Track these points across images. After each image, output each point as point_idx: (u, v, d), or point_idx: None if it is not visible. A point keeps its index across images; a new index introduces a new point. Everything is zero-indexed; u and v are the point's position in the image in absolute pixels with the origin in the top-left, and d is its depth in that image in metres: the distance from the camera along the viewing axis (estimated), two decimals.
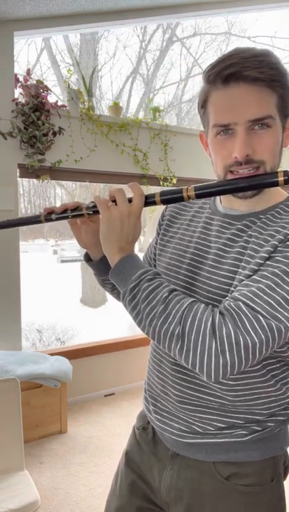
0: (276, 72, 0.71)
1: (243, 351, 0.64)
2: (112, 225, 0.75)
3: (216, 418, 0.80)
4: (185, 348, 0.67)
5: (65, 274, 11.12)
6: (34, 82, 2.82)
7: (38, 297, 7.93)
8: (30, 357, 2.66)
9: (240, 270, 0.74)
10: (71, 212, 0.84)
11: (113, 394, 3.31)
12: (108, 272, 0.92)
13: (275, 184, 0.72)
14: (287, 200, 0.80)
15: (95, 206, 0.81)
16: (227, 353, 0.64)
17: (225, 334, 0.64)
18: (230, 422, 0.79)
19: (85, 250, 0.97)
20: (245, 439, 0.79)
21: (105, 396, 3.27)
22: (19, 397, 1.83)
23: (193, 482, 0.82)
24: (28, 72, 2.88)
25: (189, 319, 0.67)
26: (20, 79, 2.83)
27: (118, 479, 0.97)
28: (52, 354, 2.85)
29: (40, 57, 6.25)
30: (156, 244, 0.99)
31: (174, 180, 3.35)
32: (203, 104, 0.78)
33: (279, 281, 0.67)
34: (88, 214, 0.83)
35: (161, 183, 3.34)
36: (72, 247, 13.70)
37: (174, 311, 0.68)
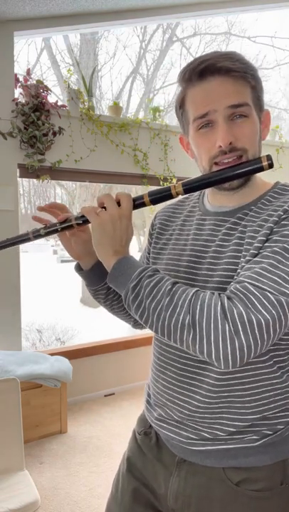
0: (247, 66, 0.75)
1: (257, 330, 0.64)
2: (104, 230, 0.75)
3: (226, 422, 0.78)
4: (198, 336, 0.65)
5: (65, 274, 11.12)
6: (34, 82, 2.82)
7: (38, 297, 7.93)
8: (30, 357, 2.66)
9: (241, 259, 0.74)
10: (60, 225, 0.83)
11: (113, 394, 3.31)
12: (100, 280, 0.92)
13: (260, 169, 0.73)
14: (273, 188, 0.81)
15: (83, 216, 0.80)
16: (241, 333, 0.63)
17: (236, 315, 0.64)
18: (240, 426, 0.78)
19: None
20: (255, 444, 0.77)
21: (105, 396, 3.27)
22: (19, 397, 1.83)
23: (201, 488, 0.80)
24: (28, 72, 2.88)
25: (198, 307, 0.66)
26: (20, 79, 2.83)
27: (119, 485, 0.94)
28: (52, 354, 2.85)
29: (40, 57, 6.26)
30: (148, 254, 0.98)
31: (174, 180, 3.35)
32: (181, 105, 0.80)
33: (281, 258, 0.68)
34: (78, 224, 0.82)
35: (161, 183, 3.34)
36: None
37: (180, 301, 0.67)
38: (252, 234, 0.75)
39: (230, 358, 0.65)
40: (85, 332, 5.98)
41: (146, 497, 0.90)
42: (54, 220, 0.87)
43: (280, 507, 0.79)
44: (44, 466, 2.34)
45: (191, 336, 0.66)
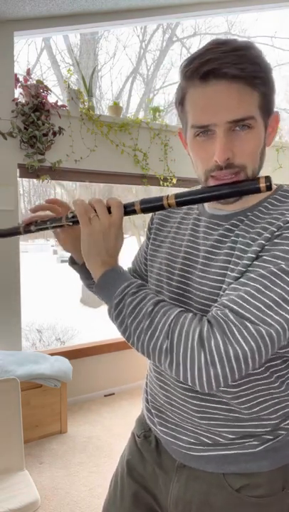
0: (257, 68, 0.66)
1: (234, 362, 0.62)
2: (93, 240, 0.73)
3: (225, 430, 0.77)
4: (174, 362, 0.65)
5: (65, 274, 11.11)
6: (34, 82, 2.82)
7: (38, 297, 7.93)
8: (30, 357, 2.66)
9: (228, 273, 0.72)
10: (50, 224, 0.83)
11: (113, 394, 3.31)
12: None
13: (257, 191, 0.70)
14: (274, 194, 0.76)
15: (74, 217, 0.79)
16: (217, 364, 0.62)
17: (214, 346, 0.62)
18: (240, 432, 0.76)
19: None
20: (257, 449, 0.76)
21: (105, 396, 3.27)
22: (19, 397, 1.83)
23: (202, 494, 0.79)
24: (28, 72, 2.88)
25: (176, 332, 0.65)
26: (20, 79, 2.83)
27: (118, 488, 0.93)
28: (52, 354, 2.85)
29: (40, 57, 6.25)
30: (146, 248, 0.96)
31: (174, 180, 3.35)
32: (181, 101, 0.73)
33: (268, 283, 0.64)
34: (68, 225, 0.81)
35: (161, 183, 3.34)
36: None
37: (160, 325, 0.66)
38: (242, 247, 0.71)
39: (206, 385, 0.64)
40: (85, 332, 5.98)
41: (147, 501, 0.89)
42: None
43: None
44: (44, 466, 2.34)
45: (168, 361, 0.65)
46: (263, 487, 0.76)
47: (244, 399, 0.75)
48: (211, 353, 0.62)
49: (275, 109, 0.75)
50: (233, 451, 0.77)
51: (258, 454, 0.76)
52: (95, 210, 0.75)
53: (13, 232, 0.85)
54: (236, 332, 0.62)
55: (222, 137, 0.68)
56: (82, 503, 2.05)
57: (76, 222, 0.79)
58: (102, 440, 2.64)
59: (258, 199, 0.76)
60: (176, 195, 0.74)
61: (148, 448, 0.90)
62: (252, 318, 0.62)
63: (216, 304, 0.68)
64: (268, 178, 0.69)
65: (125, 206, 0.76)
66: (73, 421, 2.86)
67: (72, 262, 0.97)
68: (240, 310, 0.63)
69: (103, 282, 0.74)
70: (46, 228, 0.83)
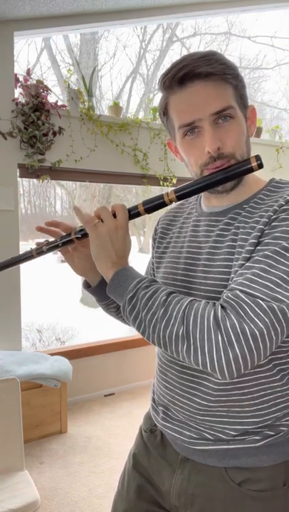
0: (226, 66, 0.74)
1: (251, 341, 0.63)
2: (101, 243, 0.76)
3: (227, 426, 0.78)
4: (192, 347, 0.65)
5: (65, 274, 11.11)
6: (34, 82, 2.82)
7: (38, 297, 7.93)
8: (30, 357, 2.66)
9: (234, 263, 0.74)
10: (60, 240, 0.85)
11: (113, 394, 3.31)
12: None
13: (250, 170, 0.74)
14: (267, 186, 0.80)
15: (83, 229, 0.82)
16: (235, 344, 0.63)
17: (229, 325, 0.63)
18: (242, 429, 0.78)
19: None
20: (257, 444, 0.77)
21: (105, 396, 3.27)
22: (19, 397, 1.83)
23: (204, 487, 0.81)
24: (28, 72, 2.88)
25: (191, 317, 0.66)
26: (20, 79, 2.83)
27: (125, 481, 0.96)
28: (52, 354, 2.85)
29: (40, 57, 6.26)
30: (152, 258, 0.99)
31: (174, 180, 3.35)
32: (165, 111, 0.80)
33: (272, 262, 0.67)
34: (77, 238, 0.84)
35: (161, 183, 3.34)
36: None
37: (174, 313, 0.68)
38: (244, 236, 0.74)
39: (225, 368, 0.64)
40: (85, 332, 5.98)
41: (151, 494, 0.91)
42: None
43: (282, 507, 0.79)
44: (44, 466, 2.34)
45: (185, 347, 0.66)
46: (264, 481, 0.78)
47: (246, 390, 0.76)
48: (227, 334, 0.63)
49: (250, 103, 0.82)
50: (234, 446, 0.78)
51: (259, 449, 0.78)
52: (101, 220, 0.78)
53: (27, 257, 0.89)
54: (249, 310, 0.64)
55: (209, 129, 0.74)
56: (82, 503, 2.06)
57: (85, 235, 0.82)
58: (102, 440, 2.64)
59: (251, 192, 0.81)
60: (176, 190, 0.78)
61: (153, 442, 0.93)
62: (262, 296, 0.65)
63: (225, 290, 0.70)
64: (258, 157, 0.73)
65: (129, 210, 0.80)
66: (73, 421, 2.86)
67: (87, 286, 0.98)
68: (249, 290, 0.65)
69: (115, 282, 0.76)
70: (57, 246, 0.86)
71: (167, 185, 3.34)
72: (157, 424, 0.91)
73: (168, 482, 0.87)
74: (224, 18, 7.11)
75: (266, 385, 0.77)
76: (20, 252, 0.93)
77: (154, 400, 0.95)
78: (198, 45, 7.35)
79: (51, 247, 0.85)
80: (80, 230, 0.83)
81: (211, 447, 0.80)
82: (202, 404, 0.79)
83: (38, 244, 0.88)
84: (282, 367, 0.77)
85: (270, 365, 0.76)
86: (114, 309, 0.99)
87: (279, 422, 0.79)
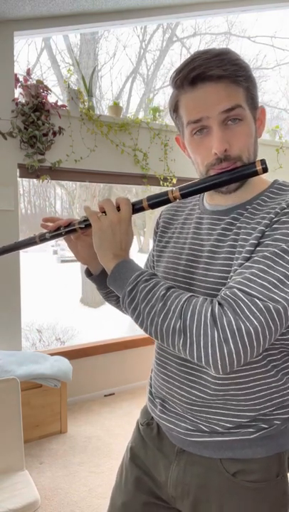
0: (238, 68, 0.74)
1: (246, 337, 0.64)
2: (103, 234, 0.78)
3: (222, 418, 0.80)
4: (188, 341, 0.67)
5: (65, 274, 11.11)
6: (34, 82, 2.82)
7: (38, 297, 7.93)
8: (30, 357, 2.66)
9: (234, 262, 0.76)
10: (64, 229, 0.87)
11: (113, 394, 3.31)
12: None
13: (255, 173, 0.75)
14: (270, 187, 0.81)
15: (86, 220, 0.84)
16: (230, 340, 0.64)
17: (226, 322, 0.65)
18: (237, 422, 0.80)
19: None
20: (252, 436, 0.79)
21: (105, 396, 3.27)
22: (19, 397, 1.83)
23: (200, 478, 0.83)
24: (28, 72, 2.88)
25: (189, 312, 0.68)
26: (20, 79, 2.83)
27: (123, 474, 0.98)
28: (52, 354, 2.85)
29: (40, 57, 6.26)
30: (153, 251, 1.01)
31: (174, 180, 3.35)
32: (175, 109, 0.81)
33: (271, 263, 0.68)
34: (81, 228, 0.86)
35: (161, 183, 3.34)
36: None
37: (173, 307, 0.69)
38: (245, 237, 0.76)
39: (219, 364, 0.66)
40: (85, 332, 5.98)
41: (148, 485, 0.93)
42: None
43: (275, 498, 0.81)
44: (44, 466, 2.34)
45: (181, 341, 0.68)
46: (257, 473, 0.80)
47: (243, 386, 0.78)
48: (223, 330, 0.65)
49: (260, 104, 0.82)
50: (229, 438, 0.80)
51: (253, 441, 0.80)
52: (104, 212, 0.80)
53: (30, 243, 0.90)
54: (246, 309, 0.65)
55: (218, 130, 0.74)
56: (82, 503, 2.06)
57: (88, 226, 0.84)
58: (102, 440, 2.64)
59: (254, 193, 0.81)
60: (181, 188, 0.79)
61: (150, 435, 0.95)
62: (259, 295, 0.66)
63: (223, 288, 0.71)
64: (263, 161, 0.74)
65: (133, 204, 0.81)
66: (73, 421, 2.86)
67: (89, 274, 1.01)
68: (247, 289, 0.67)
69: (116, 273, 0.77)
70: (60, 234, 0.88)
71: (167, 185, 3.34)
72: (154, 416, 0.93)
73: (165, 473, 0.89)
74: (224, 18, 7.11)
75: (261, 380, 0.79)
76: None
77: (151, 392, 0.96)
78: (198, 45, 7.35)
79: (54, 235, 0.87)
80: (84, 221, 0.84)
81: (206, 439, 0.82)
82: (200, 397, 0.81)
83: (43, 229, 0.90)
84: (276, 363, 0.79)
85: (265, 362, 0.78)
86: (114, 298, 1.01)
87: (273, 415, 0.81)
